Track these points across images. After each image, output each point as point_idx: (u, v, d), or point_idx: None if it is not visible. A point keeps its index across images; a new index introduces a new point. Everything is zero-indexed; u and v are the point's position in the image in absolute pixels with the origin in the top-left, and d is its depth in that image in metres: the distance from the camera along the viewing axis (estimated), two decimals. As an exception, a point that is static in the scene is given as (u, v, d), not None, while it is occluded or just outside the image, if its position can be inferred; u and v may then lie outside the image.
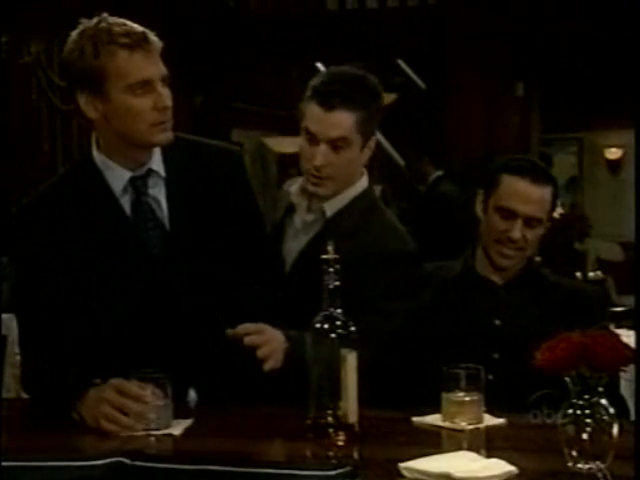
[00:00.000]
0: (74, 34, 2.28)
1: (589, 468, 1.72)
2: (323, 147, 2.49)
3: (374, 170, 2.71)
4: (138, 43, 2.22)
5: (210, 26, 8.33)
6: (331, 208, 2.58)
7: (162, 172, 2.38)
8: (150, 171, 2.36)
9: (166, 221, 2.37)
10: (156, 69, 2.25)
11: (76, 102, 2.30)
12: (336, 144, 2.50)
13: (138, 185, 2.35)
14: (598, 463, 1.72)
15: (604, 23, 7.57)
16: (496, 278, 2.65)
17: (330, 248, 2.05)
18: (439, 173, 7.46)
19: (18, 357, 5.91)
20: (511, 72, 8.53)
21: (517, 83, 8.90)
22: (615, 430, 1.72)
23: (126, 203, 2.35)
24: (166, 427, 2.09)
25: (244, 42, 8.42)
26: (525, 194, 2.56)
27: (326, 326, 2.01)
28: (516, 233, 2.55)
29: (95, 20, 2.28)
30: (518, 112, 8.85)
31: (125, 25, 2.25)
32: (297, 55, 8.65)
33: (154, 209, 2.37)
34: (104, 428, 2.09)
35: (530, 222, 2.57)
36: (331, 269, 2.03)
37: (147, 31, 2.26)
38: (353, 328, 2.02)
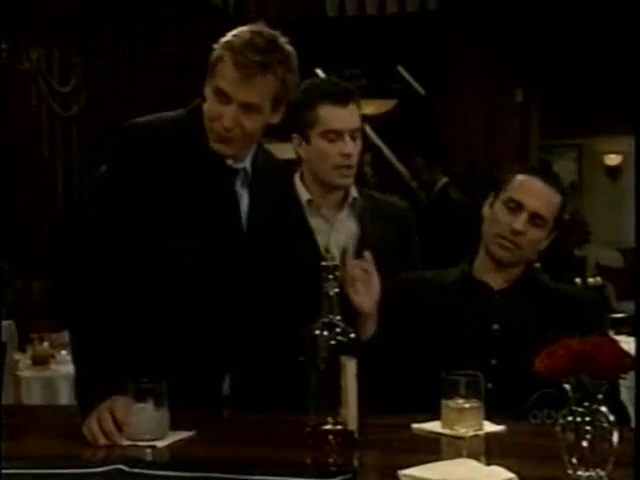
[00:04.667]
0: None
1: (589, 475, 1.72)
2: (347, 138, 2.76)
3: (377, 178, 2.84)
4: (246, 65, 2.31)
5: (209, 33, 8.33)
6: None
7: (250, 174, 2.47)
8: (244, 170, 2.45)
9: (244, 219, 2.45)
10: (243, 92, 2.33)
11: None
12: (354, 137, 2.78)
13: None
14: (598, 470, 1.72)
15: (603, 29, 7.58)
16: (494, 283, 2.65)
17: (329, 255, 2.05)
18: (445, 180, 7.42)
19: (19, 364, 5.91)
20: (510, 78, 8.55)
21: (516, 89, 8.92)
22: (615, 437, 1.72)
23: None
24: (161, 437, 2.09)
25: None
26: (533, 188, 2.61)
27: (326, 333, 2.02)
28: (520, 225, 2.58)
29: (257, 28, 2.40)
30: (517, 118, 8.87)
31: (254, 48, 2.33)
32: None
33: (239, 204, 2.45)
34: (83, 433, 2.13)
35: (534, 219, 2.59)
36: (331, 276, 2.03)
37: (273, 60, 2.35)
38: (353, 335, 2.02)
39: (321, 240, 2.78)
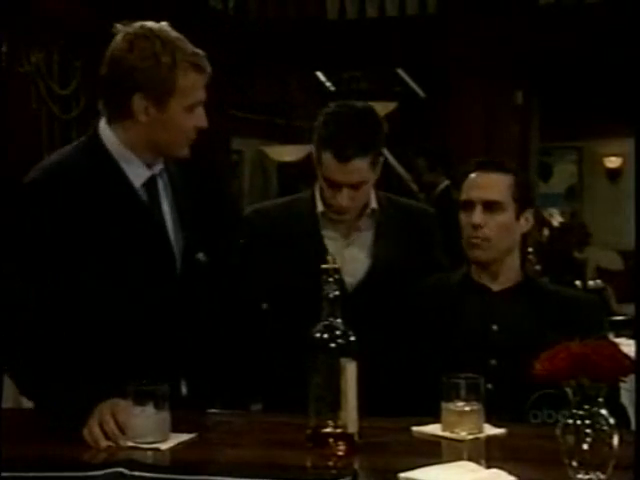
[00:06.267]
0: (136, 36, 2.37)
1: (589, 478, 1.72)
2: (345, 191, 2.70)
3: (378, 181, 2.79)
4: (204, 66, 2.33)
5: (209, 34, 8.33)
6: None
7: (165, 176, 2.44)
8: (161, 171, 2.43)
9: (169, 221, 2.41)
10: (204, 92, 2.37)
11: (119, 99, 2.38)
12: (357, 187, 2.70)
13: (151, 185, 2.41)
14: (598, 473, 1.72)
15: (603, 31, 7.59)
16: (493, 286, 2.66)
17: (330, 258, 2.05)
18: (447, 182, 7.42)
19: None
20: (511, 81, 8.56)
21: (516, 92, 8.92)
22: (615, 440, 1.72)
23: (143, 196, 2.40)
24: (163, 439, 2.08)
25: (244, 50, 8.43)
26: (476, 182, 2.67)
27: (326, 336, 2.01)
28: (476, 218, 2.62)
29: (157, 27, 2.37)
30: (517, 121, 8.87)
31: (189, 45, 2.33)
32: (297, 64, 8.66)
33: (162, 206, 2.42)
34: (84, 436, 2.12)
35: (490, 207, 2.62)
36: (331, 279, 2.03)
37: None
38: (353, 338, 2.02)
39: (333, 249, 2.72)
